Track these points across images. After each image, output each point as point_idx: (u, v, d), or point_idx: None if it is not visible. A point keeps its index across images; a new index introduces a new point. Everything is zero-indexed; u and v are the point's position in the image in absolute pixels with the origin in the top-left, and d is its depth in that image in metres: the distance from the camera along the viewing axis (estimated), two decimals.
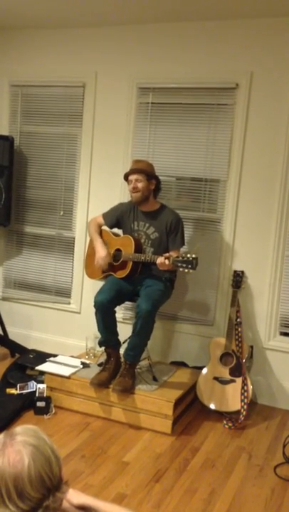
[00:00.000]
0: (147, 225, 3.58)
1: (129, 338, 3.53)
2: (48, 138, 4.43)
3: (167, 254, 3.25)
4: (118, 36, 4.08)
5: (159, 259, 3.25)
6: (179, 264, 3.18)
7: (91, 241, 3.78)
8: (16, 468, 1.28)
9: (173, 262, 3.20)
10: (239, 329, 3.60)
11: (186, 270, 3.17)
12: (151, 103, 4.03)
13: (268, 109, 3.70)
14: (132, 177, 3.52)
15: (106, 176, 4.23)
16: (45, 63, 4.36)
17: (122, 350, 3.56)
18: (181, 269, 3.20)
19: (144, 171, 3.52)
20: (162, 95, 4.00)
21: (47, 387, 3.52)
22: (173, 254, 3.34)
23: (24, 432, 1.36)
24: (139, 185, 3.50)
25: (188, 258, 3.17)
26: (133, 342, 3.43)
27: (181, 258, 3.20)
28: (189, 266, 3.16)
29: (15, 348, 4.43)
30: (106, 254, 3.56)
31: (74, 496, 1.51)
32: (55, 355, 3.90)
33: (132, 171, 3.54)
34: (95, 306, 3.43)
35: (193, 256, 3.17)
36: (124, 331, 3.72)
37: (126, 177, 3.59)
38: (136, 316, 3.37)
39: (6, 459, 1.29)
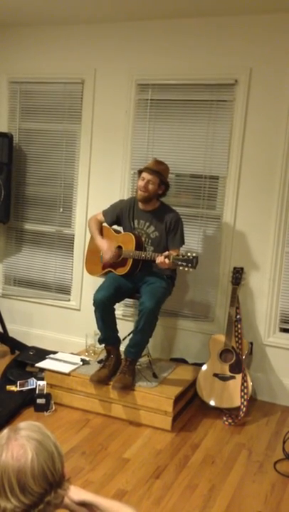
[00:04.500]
0: (147, 224, 3.57)
1: (129, 334, 3.53)
2: (47, 135, 4.42)
3: (167, 253, 3.25)
4: (117, 33, 4.07)
5: (159, 259, 3.24)
6: (179, 263, 3.18)
7: (91, 237, 3.78)
8: (19, 462, 1.28)
9: (173, 261, 3.20)
10: (239, 326, 3.61)
11: (186, 269, 3.17)
12: (150, 99, 4.02)
13: (267, 105, 3.70)
14: (147, 176, 3.45)
15: (105, 172, 4.22)
16: (44, 60, 4.34)
17: (122, 347, 3.56)
18: (181, 268, 3.20)
19: (161, 175, 3.46)
20: (161, 92, 3.99)
21: (47, 384, 3.52)
22: (173, 253, 3.34)
23: (28, 427, 1.37)
24: (150, 187, 3.45)
25: (188, 257, 3.16)
26: (135, 339, 3.43)
27: (181, 257, 3.19)
28: (189, 265, 3.15)
29: (15, 345, 4.44)
30: (109, 245, 3.56)
31: (75, 493, 1.52)
32: (55, 352, 3.90)
33: (149, 171, 3.46)
34: (94, 303, 3.42)
35: (194, 255, 3.17)
36: (125, 328, 3.73)
37: (140, 171, 3.52)
38: (139, 314, 3.37)
39: (9, 453, 1.29)
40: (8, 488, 1.27)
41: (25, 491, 1.27)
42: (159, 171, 3.47)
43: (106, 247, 3.56)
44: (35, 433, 1.35)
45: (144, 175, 3.46)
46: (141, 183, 3.47)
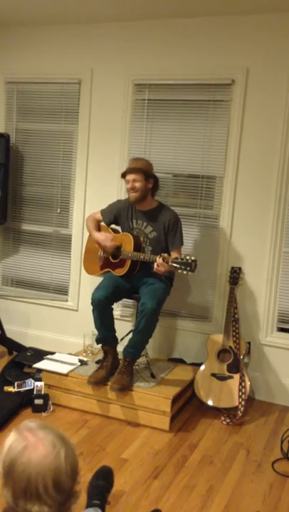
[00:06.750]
0: (145, 224, 3.57)
1: (127, 335, 3.53)
2: (44, 135, 4.42)
3: (165, 255, 3.23)
4: (114, 33, 4.07)
5: (158, 261, 3.20)
6: (178, 266, 3.15)
7: (90, 236, 3.77)
8: (55, 460, 1.28)
9: (171, 264, 3.17)
10: (236, 325, 3.61)
11: (185, 272, 3.14)
12: (148, 100, 4.02)
13: (264, 105, 3.70)
14: (130, 177, 3.45)
15: (103, 173, 4.22)
16: (41, 60, 4.34)
17: (119, 347, 3.56)
18: (180, 271, 3.17)
19: (142, 170, 3.45)
20: (158, 92, 3.99)
21: (45, 384, 3.52)
22: (173, 254, 3.32)
23: (41, 426, 1.37)
24: (137, 185, 3.45)
25: (187, 260, 3.13)
26: (135, 339, 3.42)
27: (180, 260, 3.17)
28: (188, 268, 3.12)
29: (12, 345, 4.43)
30: (106, 236, 3.57)
31: None
32: (52, 353, 3.90)
33: (130, 171, 3.46)
34: (92, 303, 3.42)
35: (193, 258, 3.13)
36: (123, 328, 3.73)
37: (123, 176, 3.53)
38: (140, 314, 3.35)
39: (38, 453, 1.28)
40: (42, 489, 1.26)
41: (59, 489, 1.27)
42: (138, 166, 3.46)
43: (104, 237, 3.58)
44: (50, 430, 1.35)
45: (128, 176, 3.46)
46: (128, 185, 3.47)
